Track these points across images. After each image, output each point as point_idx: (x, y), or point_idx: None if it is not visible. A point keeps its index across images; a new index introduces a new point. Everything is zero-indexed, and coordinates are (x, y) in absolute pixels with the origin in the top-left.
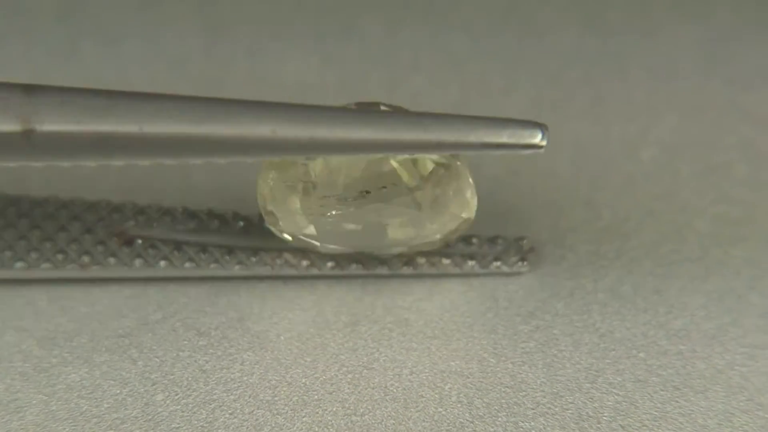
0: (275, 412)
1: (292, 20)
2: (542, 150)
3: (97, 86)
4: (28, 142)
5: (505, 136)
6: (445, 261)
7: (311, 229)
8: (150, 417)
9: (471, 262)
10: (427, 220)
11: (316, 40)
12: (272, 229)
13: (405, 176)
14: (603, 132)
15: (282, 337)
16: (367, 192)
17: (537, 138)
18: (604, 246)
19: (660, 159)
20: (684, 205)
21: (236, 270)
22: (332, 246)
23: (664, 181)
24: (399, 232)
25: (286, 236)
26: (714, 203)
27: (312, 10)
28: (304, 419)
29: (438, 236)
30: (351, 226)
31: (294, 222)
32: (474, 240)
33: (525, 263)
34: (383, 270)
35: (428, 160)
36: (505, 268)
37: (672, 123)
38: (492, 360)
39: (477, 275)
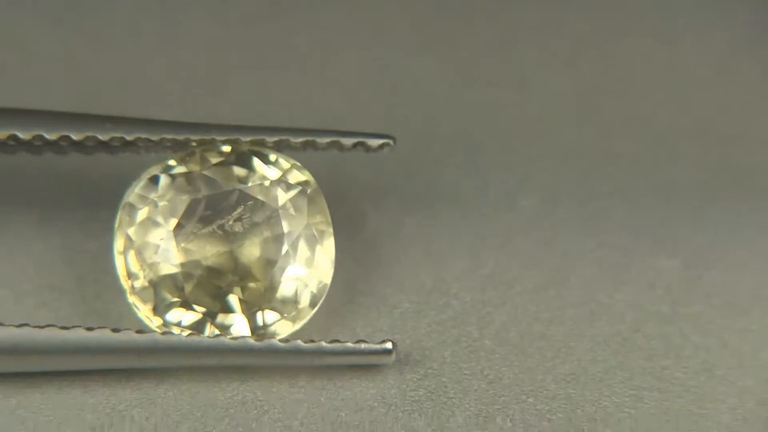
0: None
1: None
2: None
3: None
4: None
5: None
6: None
7: (175, 257)
8: None
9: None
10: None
11: None
12: (131, 298)
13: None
14: (482, 182)
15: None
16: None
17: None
18: (489, 293)
19: (539, 207)
20: (566, 250)
21: None
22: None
23: (545, 228)
24: (258, 256)
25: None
26: (595, 248)
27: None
28: None
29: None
30: (216, 249)
31: (159, 253)
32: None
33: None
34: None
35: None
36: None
37: (548, 171)
38: (382, 409)
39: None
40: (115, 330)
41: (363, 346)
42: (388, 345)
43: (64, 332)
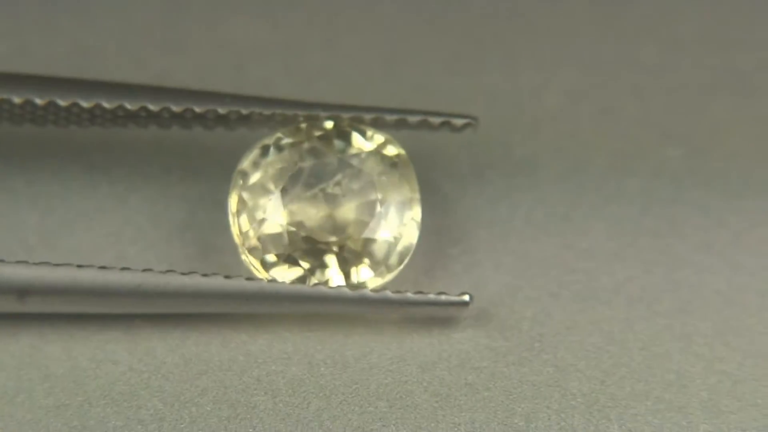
0: None
1: None
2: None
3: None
4: None
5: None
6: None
7: (281, 217)
8: None
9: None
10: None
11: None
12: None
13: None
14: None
15: None
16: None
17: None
18: (518, 179)
19: (563, 103)
20: (585, 143)
21: None
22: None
23: (568, 124)
24: (354, 218)
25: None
26: (610, 141)
27: None
28: None
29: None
30: (317, 211)
31: (267, 213)
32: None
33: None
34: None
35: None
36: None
37: (573, 73)
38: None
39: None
40: (227, 277)
41: (443, 297)
42: (466, 297)
43: (183, 277)
